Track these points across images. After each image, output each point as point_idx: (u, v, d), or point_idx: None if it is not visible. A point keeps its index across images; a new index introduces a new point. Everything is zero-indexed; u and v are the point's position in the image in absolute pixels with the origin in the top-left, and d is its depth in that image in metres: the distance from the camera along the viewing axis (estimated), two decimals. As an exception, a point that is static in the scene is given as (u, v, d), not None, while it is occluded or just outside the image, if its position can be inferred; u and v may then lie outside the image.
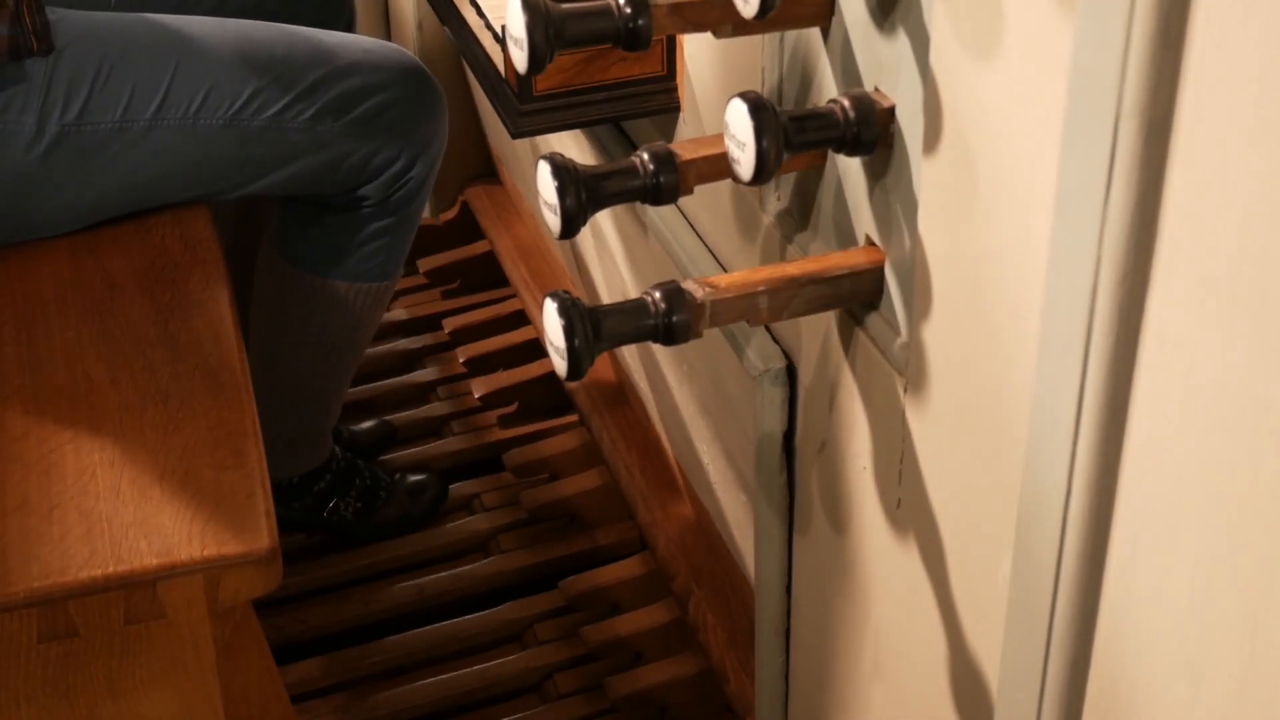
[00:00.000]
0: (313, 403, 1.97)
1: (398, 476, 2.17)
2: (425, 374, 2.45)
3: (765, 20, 0.98)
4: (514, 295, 2.54)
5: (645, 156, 1.07)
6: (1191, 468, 0.78)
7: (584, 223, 1.06)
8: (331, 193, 1.76)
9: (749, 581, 1.70)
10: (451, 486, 2.23)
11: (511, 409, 2.36)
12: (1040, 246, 0.85)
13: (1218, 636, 0.79)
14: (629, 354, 2.08)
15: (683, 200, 1.12)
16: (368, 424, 2.27)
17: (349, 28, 2.01)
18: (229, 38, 1.67)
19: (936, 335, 1.02)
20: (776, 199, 1.26)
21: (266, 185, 1.73)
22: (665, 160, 1.07)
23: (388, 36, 2.66)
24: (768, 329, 1.32)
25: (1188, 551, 0.80)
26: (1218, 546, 0.77)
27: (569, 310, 1.00)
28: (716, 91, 1.36)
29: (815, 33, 1.13)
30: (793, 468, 1.32)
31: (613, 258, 1.91)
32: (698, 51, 1.39)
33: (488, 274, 2.62)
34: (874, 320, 1.11)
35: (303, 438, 2.00)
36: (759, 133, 0.98)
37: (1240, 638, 0.77)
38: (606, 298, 2.04)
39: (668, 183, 1.07)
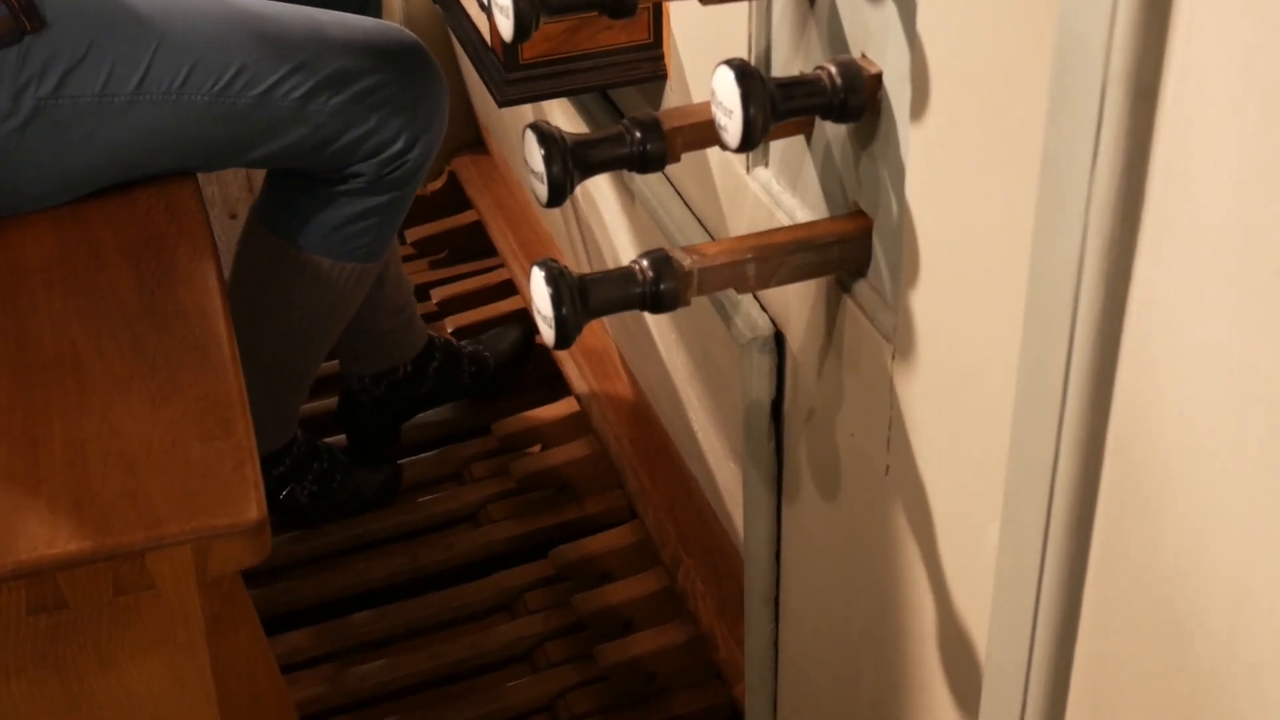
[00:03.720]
0: (282, 381, 1.96)
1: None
2: (413, 344, 2.44)
3: (751, -13, 0.97)
4: (502, 265, 2.54)
5: (632, 124, 1.07)
6: (1178, 434, 0.78)
7: (571, 191, 1.06)
8: (322, 169, 1.75)
9: (738, 549, 1.70)
10: (442, 452, 2.23)
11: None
12: (1027, 213, 0.85)
13: (1204, 601, 0.79)
14: (617, 322, 2.07)
15: (670, 168, 1.12)
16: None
17: (363, 9, 1.98)
18: (216, 14, 1.66)
19: (924, 302, 1.02)
20: (764, 166, 1.26)
21: (253, 160, 1.72)
22: (652, 128, 1.07)
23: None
24: (756, 297, 1.32)
25: (1175, 520, 0.80)
26: (1205, 515, 0.77)
27: (557, 279, 1.00)
28: (703, 59, 1.35)
29: (802, -1, 1.12)
30: (781, 435, 1.32)
31: (600, 226, 1.91)
32: (684, 19, 1.38)
33: (475, 244, 2.61)
34: (862, 288, 1.11)
35: (267, 417, 1.96)
36: (746, 100, 0.98)
37: (1228, 600, 0.77)
38: (594, 266, 2.03)
39: (655, 150, 1.07)
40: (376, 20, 1.79)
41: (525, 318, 2.41)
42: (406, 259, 2.61)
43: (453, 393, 2.26)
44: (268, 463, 2.03)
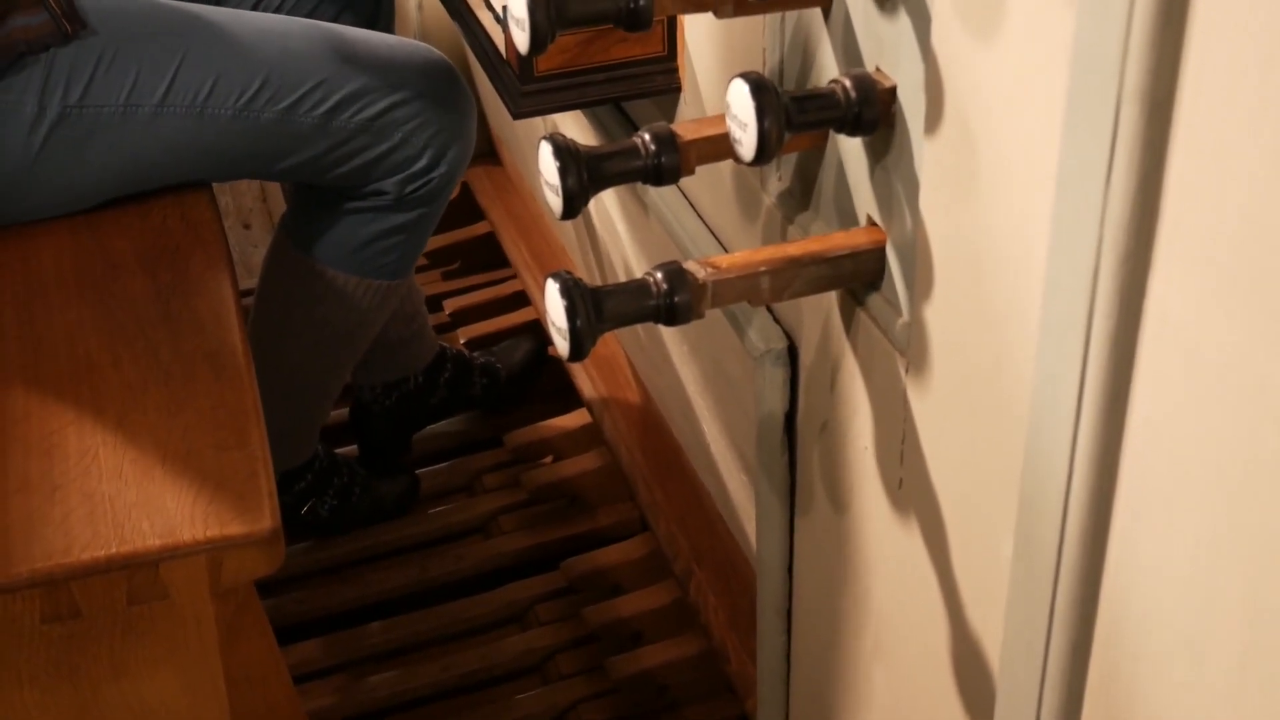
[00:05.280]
0: (306, 397, 1.96)
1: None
2: (426, 355, 2.45)
3: (766, 0, 0.98)
4: (514, 276, 2.54)
5: (646, 137, 1.07)
6: (1193, 447, 0.78)
7: (585, 203, 1.06)
8: (346, 184, 1.75)
9: (750, 562, 1.70)
10: (454, 464, 2.23)
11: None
12: (1042, 227, 0.85)
13: (1219, 615, 0.79)
14: (630, 334, 2.08)
15: (684, 181, 1.12)
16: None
17: (386, 26, 1.99)
18: (242, 28, 1.66)
19: (938, 315, 1.02)
20: (778, 179, 1.26)
21: (275, 174, 1.72)
22: (666, 141, 1.07)
23: (388, 17, 2.65)
24: (769, 309, 1.32)
25: (1189, 531, 0.80)
26: (1219, 526, 0.77)
27: (571, 291, 1.00)
28: (717, 72, 1.36)
29: (816, 13, 1.12)
30: (794, 448, 1.32)
31: (614, 238, 1.91)
32: (699, 32, 1.38)
33: (488, 255, 2.62)
34: (875, 300, 1.11)
35: (290, 433, 1.98)
36: (760, 113, 0.98)
37: (1242, 617, 0.77)
38: (607, 278, 2.04)
39: (669, 163, 1.07)
40: (404, 39, 1.79)
41: (538, 329, 2.42)
42: (419, 269, 2.61)
43: (464, 404, 2.27)
44: (289, 478, 2.04)
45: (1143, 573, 0.85)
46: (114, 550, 1.26)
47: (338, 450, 2.17)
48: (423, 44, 1.79)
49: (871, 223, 1.11)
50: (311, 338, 1.88)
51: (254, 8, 1.85)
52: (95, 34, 1.59)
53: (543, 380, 2.37)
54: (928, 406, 1.07)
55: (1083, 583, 0.90)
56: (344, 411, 2.25)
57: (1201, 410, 0.77)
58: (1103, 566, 0.88)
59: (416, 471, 2.23)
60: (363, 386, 2.17)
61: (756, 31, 1.22)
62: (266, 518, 1.29)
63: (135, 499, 1.30)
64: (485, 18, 1.62)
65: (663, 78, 1.46)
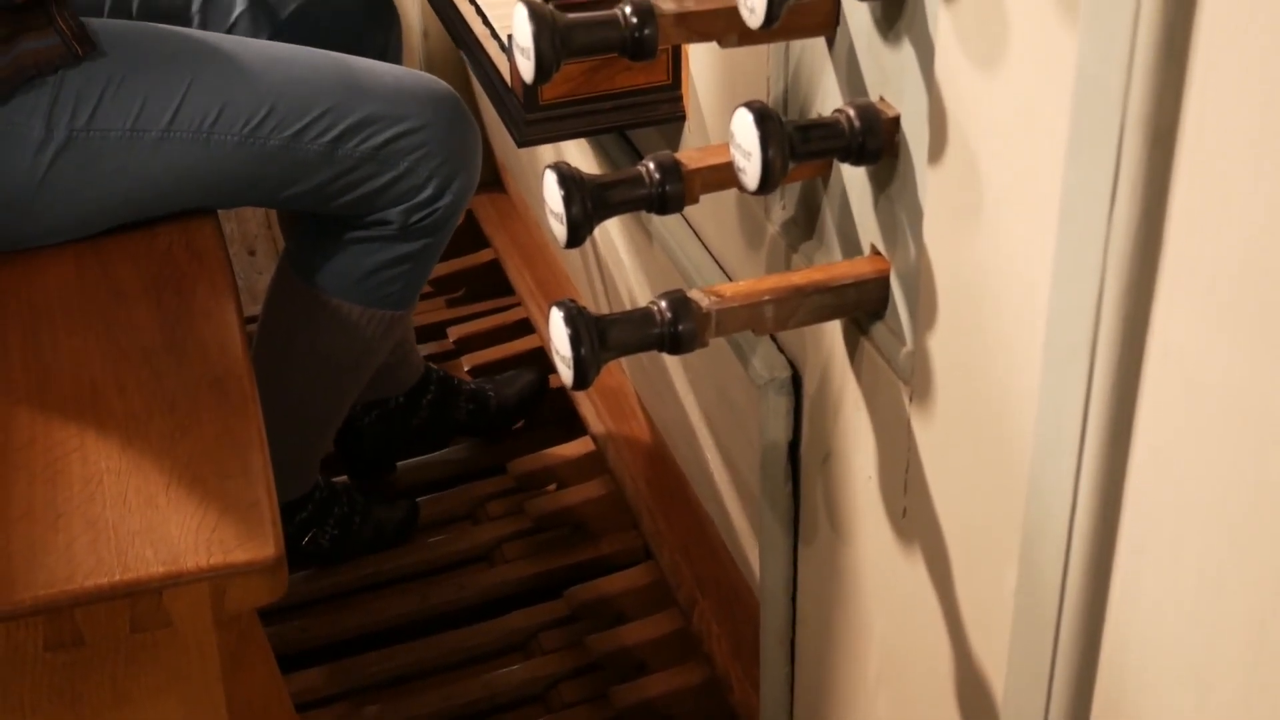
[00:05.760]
0: (308, 427, 1.95)
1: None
2: (430, 383, 2.45)
3: (770, 30, 0.98)
4: (519, 303, 2.54)
5: (651, 166, 1.08)
6: (1197, 477, 0.78)
7: (590, 232, 1.06)
8: (351, 213, 1.75)
9: (754, 591, 1.70)
10: (457, 491, 2.23)
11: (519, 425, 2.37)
12: (1045, 256, 0.86)
13: (1224, 647, 0.79)
14: (634, 362, 2.08)
15: (688, 209, 1.12)
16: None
17: (384, 55, 1.99)
18: (249, 56, 1.67)
19: (942, 345, 1.02)
20: (782, 208, 1.27)
21: (280, 201, 1.72)
22: (671, 169, 1.07)
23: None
24: (773, 338, 1.32)
25: (1193, 562, 0.80)
26: (1223, 557, 0.77)
27: (575, 319, 1.01)
28: (722, 101, 1.36)
29: (820, 42, 1.13)
30: (798, 477, 1.32)
31: (618, 266, 1.92)
32: (703, 61, 1.39)
33: (493, 282, 2.62)
34: (879, 329, 1.11)
35: (292, 463, 1.97)
36: (764, 142, 0.98)
37: (1246, 647, 0.77)
38: (612, 306, 2.04)
39: (673, 192, 1.07)
40: (410, 69, 1.79)
41: (542, 358, 2.42)
42: (423, 296, 2.61)
43: (448, 427, 2.26)
44: (291, 509, 2.03)
45: (1147, 603, 0.85)
46: (117, 578, 1.26)
47: (334, 479, 2.17)
48: (429, 74, 1.80)
49: (875, 252, 1.11)
50: (314, 367, 1.88)
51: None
52: (104, 57, 1.59)
53: (546, 408, 2.37)
54: (931, 436, 1.07)
55: (1087, 613, 0.90)
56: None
57: (1205, 440, 0.77)
58: (1107, 596, 0.88)
59: (419, 499, 2.23)
60: None
61: (761, 61, 1.23)
62: (270, 545, 1.29)
63: (139, 526, 1.30)
64: (490, 46, 1.62)
65: (667, 106, 1.46)
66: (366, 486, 2.22)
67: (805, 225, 1.23)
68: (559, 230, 1.06)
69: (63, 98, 1.57)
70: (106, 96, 1.59)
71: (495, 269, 2.61)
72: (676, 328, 1.03)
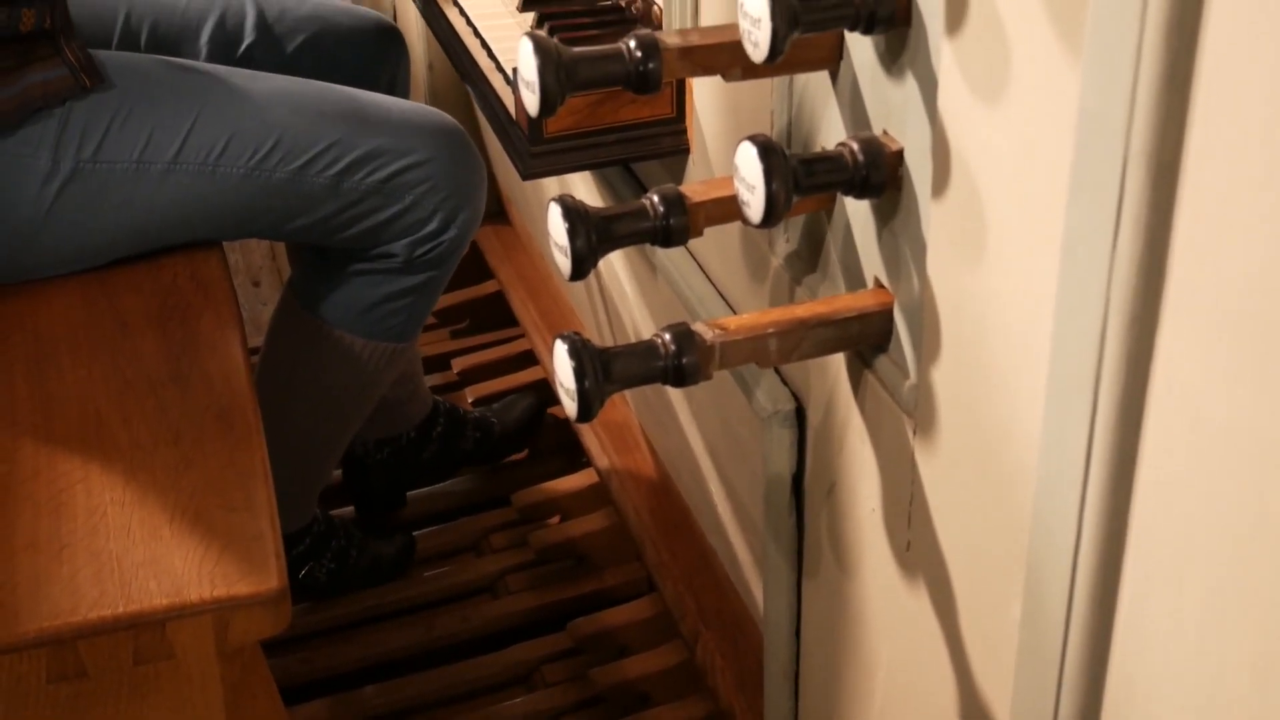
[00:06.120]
0: (309, 458, 1.95)
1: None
2: (434, 414, 2.45)
3: (774, 64, 0.99)
4: (523, 335, 2.55)
5: (655, 199, 1.08)
6: (1202, 510, 0.78)
7: (594, 265, 1.07)
8: (356, 246, 1.76)
9: (758, 623, 1.69)
10: (460, 523, 2.23)
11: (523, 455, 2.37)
12: (1049, 289, 0.86)
13: (1229, 679, 0.78)
14: (638, 394, 2.08)
15: (692, 242, 1.12)
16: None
17: (391, 88, 2.00)
18: (256, 89, 1.68)
19: (945, 377, 1.02)
20: (785, 241, 1.27)
21: (285, 233, 1.73)
22: (675, 202, 1.08)
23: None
24: (777, 370, 1.32)
25: (1198, 595, 0.80)
26: (1229, 590, 0.77)
27: (579, 352, 1.01)
28: (726, 134, 1.36)
29: (824, 76, 1.13)
30: (802, 509, 1.32)
31: (622, 298, 1.92)
32: (707, 94, 1.39)
33: (497, 314, 2.62)
34: (883, 362, 1.12)
35: (293, 495, 1.96)
36: (768, 175, 0.99)
37: (1251, 680, 0.77)
38: (616, 338, 2.04)
39: (678, 225, 1.08)
40: (416, 103, 1.80)
41: (545, 389, 2.42)
42: (427, 328, 2.62)
43: (457, 458, 2.27)
44: (289, 542, 2.02)
45: (1152, 636, 0.85)
46: (120, 609, 1.26)
47: (332, 512, 2.17)
48: (434, 109, 1.80)
49: (879, 285, 1.11)
50: (317, 399, 1.88)
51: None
52: (112, 89, 1.60)
53: (550, 440, 2.37)
54: (935, 469, 1.07)
55: (1092, 646, 0.89)
56: (337, 472, 2.25)
57: (1210, 473, 0.77)
58: (1112, 629, 0.88)
59: (423, 530, 2.22)
60: (355, 441, 2.17)
61: (765, 94, 1.23)
62: (273, 578, 1.29)
63: (143, 558, 1.30)
64: (496, 79, 1.63)
65: (671, 139, 1.47)
66: (370, 519, 2.22)
67: (809, 258, 1.23)
68: (563, 263, 1.07)
69: (70, 129, 1.58)
70: (113, 128, 1.59)
71: (499, 301, 2.62)
72: (680, 360, 1.03)
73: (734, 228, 1.31)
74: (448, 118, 1.78)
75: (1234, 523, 0.76)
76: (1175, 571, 0.81)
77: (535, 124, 1.44)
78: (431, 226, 1.74)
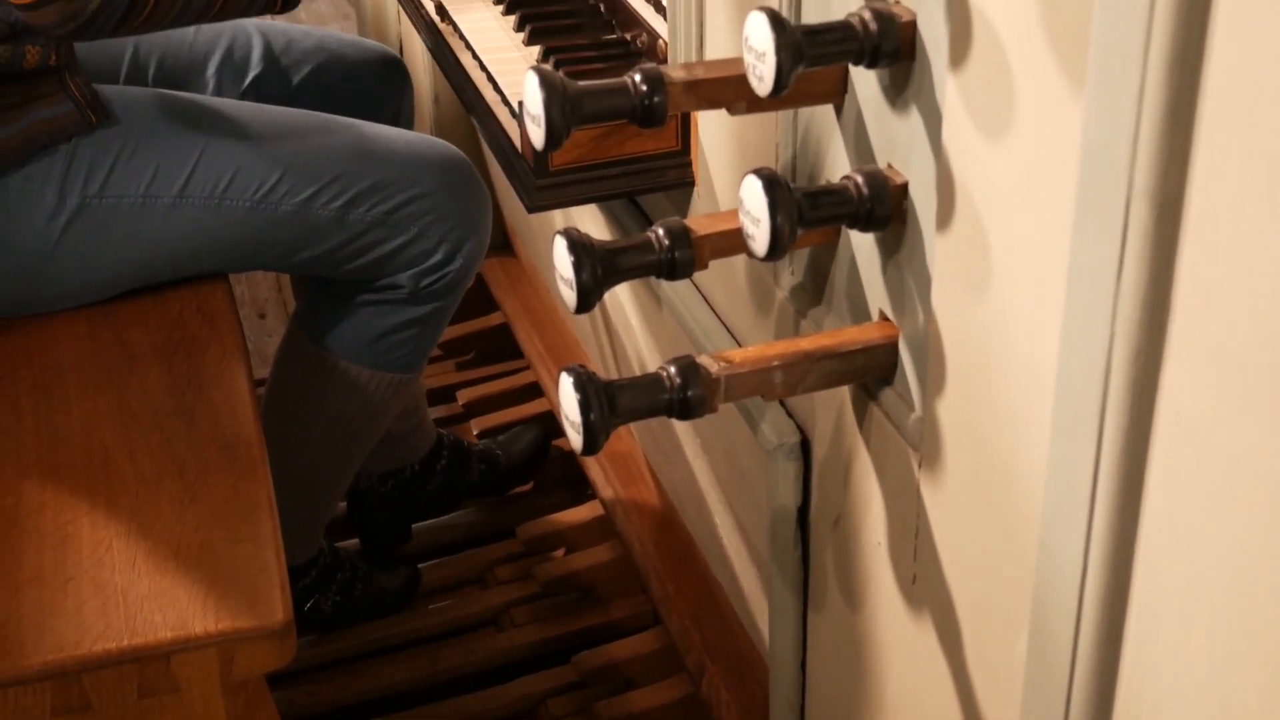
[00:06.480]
0: (315, 490, 1.95)
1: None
2: (439, 446, 2.45)
3: (779, 98, 0.99)
4: (528, 367, 2.55)
5: (661, 232, 1.08)
6: (1208, 543, 0.78)
7: (599, 298, 1.07)
8: (362, 277, 1.76)
9: (763, 657, 1.69)
10: (465, 556, 2.22)
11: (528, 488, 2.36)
12: (1053, 323, 0.86)
13: (1235, 712, 0.78)
14: (643, 426, 2.08)
15: (697, 274, 1.13)
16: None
17: (396, 119, 2.01)
18: (262, 121, 1.68)
19: (950, 411, 1.02)
20: (790, 274, 1.27)
21: (291, 265, 1.73)
22: (680, 236, 1.08)
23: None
24: (782, 403, 1.32)
25: (1205, 629, 0.79)
26: (1235, 622, 0.77)
27: (585, 385, 1.01)
28: (731, 167, 1.37)
29: (828, 110, 1.14)
30: (807, 542, 1.32)
31: (628, 331, 1.92)
32: (712, 127, 1.40)
33: (502, 346, 2.62)
34: (888, 395, 1.12)
35: (299, 526, 1.96)
36: (773, 209, 0.99)
37: (1259, 713, 0.76)
38: (621, 371, 2.04)
39: (683, 258, 1.08)
40: (421, 134, 1.81)
41: (550, 421, 2.42)
42: (433, 360, 2.62)
43: (462, 491, 2.26)
44: (295, 574, 2.02)
45: (1159, 670, 0.84)
46: (125, 642, 1.25)
47: (337, 544, 2.16)
48: (440, 140, 1.81)
49: (884, 318, 1.11)
50: (322, 430, 1.88)
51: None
52: (117, 124, 1.61)
53: (555, 472, 2.36)
54: (940, 502, 1.06)
55: (1098, 680, 0.89)
56: (342, 504, 2.24)
57: (1216, 506, 0.77)
58: (1118, 663, 0.88)
59: (428, 563, 2.22)
60: (359, 475, 2.17)
61: (769, 128, 1.24)
62: (278, 611, 1.29)
63: (148, 591, 1.30)
64: (501, 112, 1.63)
65: (676, 172, 1.47)
66: (375, 551, 2.22)
67: (814, 291, 1.24)
68: (569, 296, 1.07)
69: (76, 165, 1.58)
70: (119, 164, 1.60)
71: (505, 333, 2.62)
72: (685, 393, 1.03)
73: (739, 260, 1.32)
74: (453, 149, 1.79)
75: (1240, 556, 0.76)
76: (1181, 604, 0.81)
77: (541, 157, 1.45)
78: (437, 257, 1.74)
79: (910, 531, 1.11)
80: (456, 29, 1.82)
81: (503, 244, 2.70)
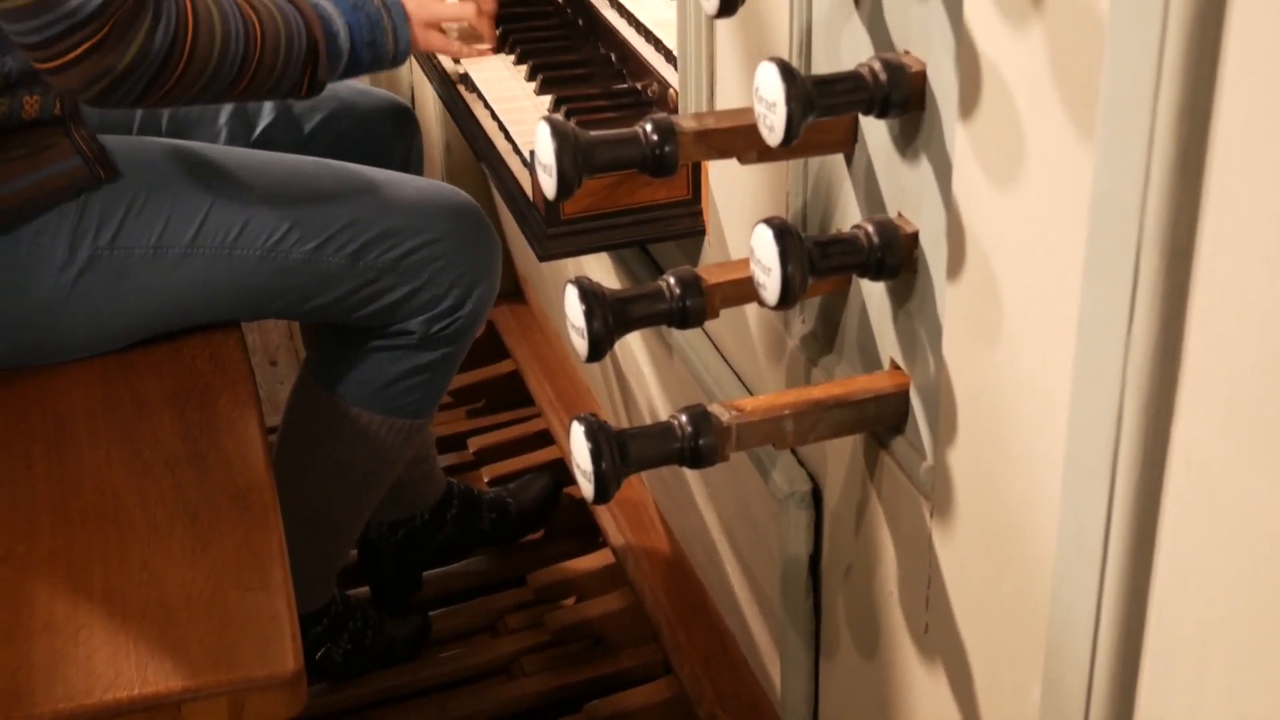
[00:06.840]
0: (326, 537, 1.95)
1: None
2: (450, 494, 2.44)
3: (790, 148, 0.99)
4: (539, 415, 2.55)
5: (672, 281, 1.08)
6: (1221, 592, 0.78)
7: (611, 346, 1.07)
8: (372, 324, 1.77)
9: (775, 707, 1.68)
10: (476, 603, 2.22)
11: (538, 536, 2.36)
12: (1064, 371, 0.86)
13: (1251, 766, 0.78)
14: (654, 474, 2.07)
15: (709, 323, 1.13)
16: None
17: (405, 165, 2.02)
18: (272, 170, 1.69)
19: (962, 459, 1.02)
20: (801, 323, 1.27)
21: (303, 313, 1.74)
22: (691, 284, 1.08)
23: (417, 160, 2.69)
24: (793, 451, 1.32)
25: (1219, 678, 0.79)
26: (1249, 673, 0.77)
27: (596, 434, 1.01)
28: (742, 216, 1.37)
29: (839, 159, 1.14)
30: (819, 591, 1.32)
31: (639, 379, 1.92)
32: (723, 176, 1.40)
33: (513, 393, 2.62)
34: (899, 444, 1.12)
35: (309, 574, 1.96)
36: (784, 258, 0.99)
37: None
38: (632, 419, 2.04)
39: (694, 307, 1.08)
40: (431, 180, 1.81)
41: (561, 469, 2.42)
42: (444, 407, 2.62)
43: (473, 539, 2.26)
44: (307, 622, 2.01)
45: (1173, 718, 0.84)
46: (136, 691, 1.25)
47: (349, 592, 2.16)
48: (449, 186, 1.82)
49: (895, 366, 1.11)
50: (334, 476, 1.88)
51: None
52: (126, 178, 1.62)
53: (566, 520, 2.36)
54: (953, 550, 1.06)
55: (1112, 731, 0.89)
56: (353, 553, 2.24)
57: (1229, 555, 0.76)
58: (1133, 715, 0.87)
59: (439, 610, 2.21)
60: (370, 524, 2.16)
61: (780, 177, 1.24)
62: (289, 660, 1.28)
63: (159, 639, 1.29)
64: (513, 160, 1.64)
65: (687, 221, 1.48)
66: (385, 599, 2.21)
67: (825, 339, 1.24)
68: (580, 345, 1.07)
69: (87, 217, 1.59)
70: (130, 216, 1.61)
71: (516, 380, 2.62)
72: (697, 442, 1.03)
73: (750, 309, 1.32)
74: (462, 194, 1.79)
75: (1254, 606, 0.75)
76: (1195, 654, 0.81)
77: (552, 206, 1.45)
78: (447, 303, 1.74)
79: (923, 580, 1.11)
80: (469, 78, 1.83)
81: (514, 291, 2.70)
